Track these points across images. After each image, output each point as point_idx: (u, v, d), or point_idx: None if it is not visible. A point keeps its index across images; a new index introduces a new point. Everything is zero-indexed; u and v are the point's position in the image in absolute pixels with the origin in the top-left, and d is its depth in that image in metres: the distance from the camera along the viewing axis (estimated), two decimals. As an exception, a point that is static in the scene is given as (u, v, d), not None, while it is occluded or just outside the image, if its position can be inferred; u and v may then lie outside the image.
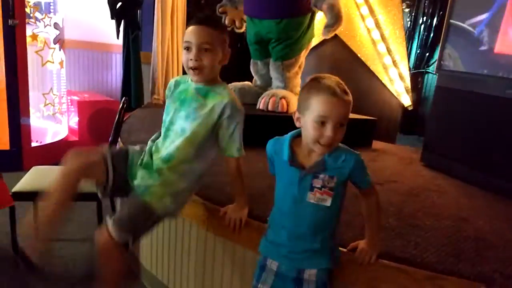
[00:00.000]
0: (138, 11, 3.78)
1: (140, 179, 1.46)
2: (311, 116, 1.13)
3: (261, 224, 1.51)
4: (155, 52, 3.62)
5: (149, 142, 1.57)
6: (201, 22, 1.36)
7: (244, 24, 3.16)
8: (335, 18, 2.59)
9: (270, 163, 1.33)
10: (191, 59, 1.35)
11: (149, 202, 1.41)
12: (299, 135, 1.22)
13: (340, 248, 1.35)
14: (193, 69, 1.37)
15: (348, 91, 1.15)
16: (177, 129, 1.46)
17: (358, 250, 1.33)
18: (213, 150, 1.51)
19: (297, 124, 1.20)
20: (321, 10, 2.68)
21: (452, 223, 1.70)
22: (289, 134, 1.26)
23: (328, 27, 2.62)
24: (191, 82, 1.48)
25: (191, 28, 1.37)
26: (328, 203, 1.20)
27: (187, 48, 1.36)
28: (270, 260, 1.30)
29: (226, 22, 3.09)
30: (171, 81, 1.58)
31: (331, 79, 1.14)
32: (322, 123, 1.12)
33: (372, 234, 1.33)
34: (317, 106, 1.12)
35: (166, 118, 1.52)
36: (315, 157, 1.20)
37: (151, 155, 1.50)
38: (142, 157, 1.51)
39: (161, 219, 1.49)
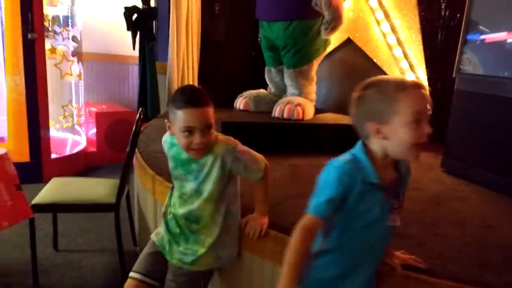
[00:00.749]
0: (154, 22, 3.84)
1: (181, 254, 1.48)
2: (403, 120, 0.98)
3: (278, 234, 1.49)
4: (170, 62, 3.64)
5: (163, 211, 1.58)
6: (197, 104, 1.32)
7: None
8: (333, 14, 2.57)
9: (339, 195, 1.03)
10: (196, 143, 1.33)
11: (201, 268, 1.48)
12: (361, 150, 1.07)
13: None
14: (198, 150, 1.36)
15: None
16: (189, 191, 1.47)
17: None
18: (232, 186, 1.51)
19: (374, 137, 1.04)
20: (321, 9, 2.66)
21: (476, 231, 1.65)
22: (354, 151, 1.09)
23: (326, 24, 2.59)
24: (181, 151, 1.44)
25: (189, 111, 1.31)
26: (398, 222, 1.08)
27: (189, 131, 1.32)
28: None
29: None
30: (164, 141, 1.54)
31: None
32: (418, 122, 0.98)
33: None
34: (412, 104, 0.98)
35: (175, 173, 1.51)
36: (390, 172, 1.07)
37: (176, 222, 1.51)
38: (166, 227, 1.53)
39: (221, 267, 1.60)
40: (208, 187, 1.43)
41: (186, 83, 3.85)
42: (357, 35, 3.29)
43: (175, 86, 3.72)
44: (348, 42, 3.35)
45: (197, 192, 1.45)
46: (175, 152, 1.49)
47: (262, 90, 3.18)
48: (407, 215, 1.74)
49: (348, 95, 3.44)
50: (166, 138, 1.54)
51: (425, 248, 1.45)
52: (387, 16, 3.12)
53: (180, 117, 1.32)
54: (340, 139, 2.75)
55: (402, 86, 1.00)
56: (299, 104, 2.75)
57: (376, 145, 1.05)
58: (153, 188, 2.04)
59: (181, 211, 1.49)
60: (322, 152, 2.62)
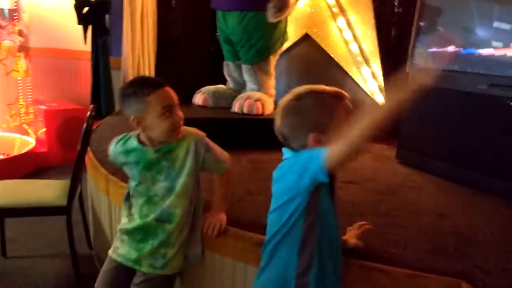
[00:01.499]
0: (106, 15, 3.68)
1: (151, 259, 1.42)
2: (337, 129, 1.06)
3: (238, 231, 1.47)
4: (125, 57, 3.52)
5: (121, 227, 1.49)
6: (162, 85, 1.33)
7: None
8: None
9: None
10: (179, 119, 1.33)
11: (171, 271, 1.45)
12: None
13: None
14: (179, 127, 1.34)
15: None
16: (160, 191, 1.41)
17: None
18: (197, 181, 1.48)
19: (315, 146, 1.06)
20: None
21: (430, 219, 1.70)
22: None
23: (271, 7, 2.57)
24: (144, 148, 1.39)
25: (160, 92, 1.31)
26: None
27: (169, 111, 1.30)
28: None
29: None
30: (114, 153, 1.47)
31: None
32: None
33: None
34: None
35: (136, 186, 1.44)
36: None
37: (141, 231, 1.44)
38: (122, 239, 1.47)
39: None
40: (181, 181, 1.39)
41: (142, 79, 3.73)
42: (314, 30, 3.31)
43: (131, 82, 3.60)
44: (306, 37, 3.37)
45: (170, 189, 1.40)
46: (137, 157, 1.40)
47: (221, 86, 3.14)
48: (362, 206, 1.78)
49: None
50: (116, 149, 1.46)
51: (381, 238, 1.48)
52: (343, 11, 3.17)
53: (154, 101, 1.28)
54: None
55: (338, 98, 1.09)
56: (258, 99, 2.73)
57: None
58: (106, 188, 1.95)
59: (151, 215, 1.41)
60: (282, 147, 2.64)
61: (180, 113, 1.34)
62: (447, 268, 1.31)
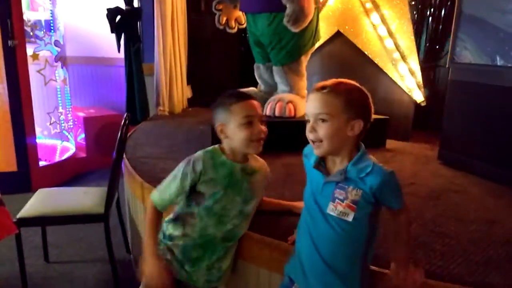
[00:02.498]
0: (138, 23, 3.74)
1: (207, 275, 1.41)
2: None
3: (273, 241, 1.43)
4: (157, 63, 3.56)
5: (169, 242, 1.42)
6: (249, 97, 1.36)
7: (237, 26, 3.09)
8: (293, 6, 2.47)
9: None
10: (257, 132, 1.32)
11: (225, 283, 1.47)
12: None
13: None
14: (260, 141, 1.34)
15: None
16: (233, 212, 1.38)
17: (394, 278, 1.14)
18: None
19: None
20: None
21: (479, 226, 1.59)
22: None
23: (287, 16, 2.49)
24: (232, 163, 1.36)
25: (246, 102, 1.32)
26: (350, 218, 1.08)
27: (249, 122, 1.30)
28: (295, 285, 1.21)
29: (220, 21, 3.01)
30: (205, 163, 1.35)
31: None
32: None
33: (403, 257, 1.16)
34: None
35: (212, 204, 1.35)
36: (340, 164, 1.13)
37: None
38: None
39: None
40: (253, 205, 1.41)
41: (174, 83, 3.77)
42: (346, 27, 3.22)
43: (164, 87, 3.65)
44: (338, 34, 3.28)
45: (242, 212, 1.39)
46: (225, 172, 1.35)
47: (252, 88, 3.11)
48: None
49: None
50: (205, 162, 1.35)
51: (427, 248, 1.39)
52: (376, 7, 3.06)
53: (237, 110, 1.31)
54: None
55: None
56: (290, 101, 2.67)
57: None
58: (142, 195, 1.96)
59: (218, 233, 1.37)
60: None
61: (263, 127, 1.33)
62: (502, 283, 1.21)
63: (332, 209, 1.10)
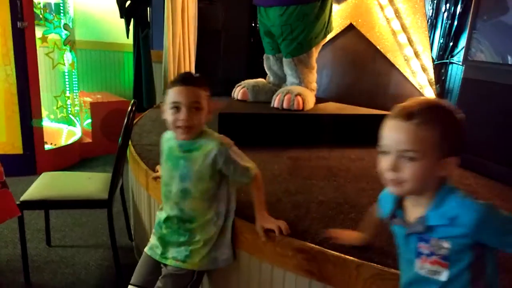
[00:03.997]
0: (148, 9, 3.70)
1: (175, 253, 1.45)
2: None
3: (284, 238, 1.40)
4: (166, 50, 3.52)
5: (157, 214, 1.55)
6: (187, 82, 1.36)
7: None
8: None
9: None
10: (181, 119, 1.34)
11: (194, 267, 1.44)
12: None
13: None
14: (183, 128, 1.35)
15: None
16: (177, 191, 1.43)
17: None
18: (225, 186, 1.47)
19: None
20: None
21: (487, 229, 1.56)
22: None
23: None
24: (174, 140, 1.45)
25: (178, 88, 1.35)
26: (443, 276, 0.89)
27: (176, 108, 1.34)
28: None
29: None
30: (162, 137, 1.55)
31: None
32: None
33: None
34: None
35: (163, 175, 1.51)
36: (420, 208, 0.92)
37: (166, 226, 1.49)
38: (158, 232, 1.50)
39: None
40: (196, 186, 1.41)
41: (182, 71, 3.74)
42: (359, 20, 3.16)
43: (171, 74, 3.62)
44: (351, 28, 3.22)
45: (185, 192, 1.42)
46: (167, 145, 1.49)
47: (260, 79, 3.07)
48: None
49: (351, 83, 3.32)
50: (165, 134, 1.53)
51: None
52: (391, 0, 2.99)
53: (169, 95, 1.36)
54: (341, 129, 2.67)
55: None
56: (299, 94, 2.64)
57: None
58: (146, 183, 1.95)
59: (172, 212, 1.46)
60: (323, 144, 2.55)
61: (186, 116, 1.33)
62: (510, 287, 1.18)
63: (420, 267, 0.92)
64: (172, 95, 1.35)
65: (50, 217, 2.43)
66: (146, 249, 1.54)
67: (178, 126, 1.35)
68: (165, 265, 1.46)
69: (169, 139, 1.49)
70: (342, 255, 1.29)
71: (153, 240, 1.53)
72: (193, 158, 1.40)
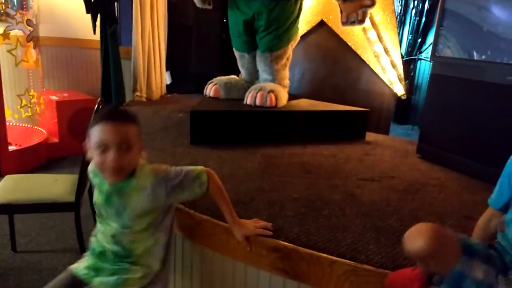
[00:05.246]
0: (116, 3, 3.59)
1: (105, 280, 1.30)
2: None
3: (257, 237, 1.38)
4: (135, 46, 3.44)
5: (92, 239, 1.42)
6: (114, 118, 1.21)
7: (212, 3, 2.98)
8: None
9: (504, 189, 1.14)
10: (110, 160, 1.19)
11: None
12: None
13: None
14: (113, 170, 1.20)
15: None
16: (116, 225, 1.30)
17: None
18: (170, 216, 1.38)
19: None
20: None
21: (456, 221, 1.59)
22: None
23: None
24: (102, 179, 1.30)
25: (104, 126, 1.19)
26: None
27: (104, 149, 1.19)
28: None
29: None
30: (89, 169, 1.40)
31: None
32: None
33: None
34: None
35: (97, 203, 1.34)
36: None
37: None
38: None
39: None
40: (138, 221, 1.29)
41: (152, 68, 3.66)
42: (330, 17, 3.18)
43: (141, 71, 3.53)
44: (322, 24, 3.24)
45: (125, 227, 1.29)
46: (99, 182, 1.34)
47: (233, 76, 3.04)
48: (383, 206, 1.68)
49: (323, 79, 3.34)
50: (92, 166, 1.36)
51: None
52: (361, -3, 3.02)
53: (95, 133, 1.20)
54: (315, 126, 2.68)
55: None
56: (272, 91, 2.62)
57: None
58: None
59: (108, 245, 1.33)
60: (296, 140, 2.55)
61: (115, 157, 1.18)
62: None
63: None
64: (98, 133, 1.19)
65: (15, 222, 2.32)
66: (71, 266, 1.38)
67: (108, 168, 1.20)
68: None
69: (97, 175, 1.33)
70: (316, 252, 1.29)
71: (83, 261, 1.38)
72: (127, 197, 1.27)
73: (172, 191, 1.29)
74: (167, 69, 3.91)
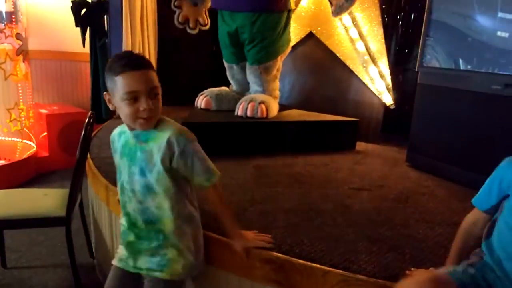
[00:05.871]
0: (105, 16, 3.60)
1: (148, 263, 1.32)
2: None
3: (251, 249, 1.38)
4: (125, 59, 3.44)
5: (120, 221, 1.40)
6: (140, 66, 1.19)
7: (199, 27, 3.03)
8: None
9: (493, 191, 1.14)
10: (143, 109, 1.18)
11: (173, 276, 1.31)
12: None
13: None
14: (149, 117, 1.20)
15: None
16: (140, 187, 1.29)
17: None
18: (188, 186, 1.37)
19: None
20: None
21: (445, 229, 1.61)
22: None
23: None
24: (129, 131, 1.29)
25: (130, 75, 1.16)
26: None
27: (134, 98, 1.17)
28: None
29: (180, 19, 2.94)
30: (112, 135, 1.39)
31: None
32: None
33: None
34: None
35: (120, 176, 1.35)
36: None
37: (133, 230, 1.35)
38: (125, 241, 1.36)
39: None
40: (155, 179, 1.26)
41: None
42: (319, 29, 3.23)
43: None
44: (311, 36, 3.28)
45: (148, 187, 1.28)
46: (122, 141, 1.32)
47: (224, 88, 3.06)
48: (375, 215, 1.70)
49: (312, 90, 3.38)
50: (115, 131, 1.38)
51: (397, 252, 1.40)
52: (348, 9, 3.07)
53: (120, 83, 1.17)
54: (305, 136, 2.70)
55: None
56: (262, 102, 2.65)
57: None
58: (107, 198, 1.88)
59: (138, 216, 1.33)
60: (287, 151, 2.57)
61: (148, 103, 1.17)
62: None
63: None
64: (126, 83, 1.16)
65: (4, 237, 2.28)
66: (114, 261, 1.38)
67: (141, 117, 1.19)
68: (140, 276, 1.35)
69: (121, 134, 1.33)
70: (309, 263, 1.30)
71: (121, 250, 1.38)
72: (149, 149, 1.26)
73: (186, 156, 1.25)
74: (159, 81, 3.91)
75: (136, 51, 3.48)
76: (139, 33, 3.51)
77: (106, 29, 3.61)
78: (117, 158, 1.37)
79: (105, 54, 3.44)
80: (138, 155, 1.28)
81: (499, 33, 2.03)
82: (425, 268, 1.28)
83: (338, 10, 2.61)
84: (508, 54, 1.98)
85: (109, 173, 1.97)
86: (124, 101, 1.18)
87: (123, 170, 1.33)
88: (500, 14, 2.03)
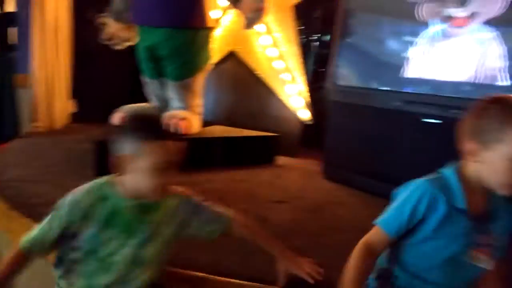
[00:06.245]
0: (13, 28, 3.34)
1: None
2: (506, 152, 0.89)
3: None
4: (34, 74, 3.21)
5: None
6: (169, 136, 1.12)
7: (125, 43, 2.97)
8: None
9: (409, 215, 1.03)
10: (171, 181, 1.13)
11: None
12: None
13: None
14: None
15: None
16: (122, 258, 1.13)
17: None
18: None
19: (469, 158, 0.96)
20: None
21: (353, 235, 1.71)
22: (446, 171, 1.03)
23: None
24: (120, 197, 1.12)
25: (166, 144, 1.09)
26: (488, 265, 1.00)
27: (166, 168, 1.09)
28: None
29: (104, 36, 2.86)
30: (81, 198, 1.12)
31: None
32: None
33: None
34: None
35: (94, 248, 1.12)
36: (483, 203, 1.00)
37: None
38: None
39: None
40: (151, 250, 1.14)
41: (56, 97, 3.44)
42: (240, 47, 3.31)
43: (42, 100, 3.31)
44: (233, 54, 3.35)
45: (135, 258, 1.13)
46: (110, 208, 1.11)
47: (143, 104, 2.97)
48: (292, 226, 1.75)
49: (235, 106, 3.43)
50: (88, 192, 1.13)
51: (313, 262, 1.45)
52: (268, 29, 3.20)
53: (154, 151, 1.07)
54: (227, 151, 2.72)
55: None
56: (184, 118, 2.62)
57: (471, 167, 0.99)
58: (7, 226, 1.71)
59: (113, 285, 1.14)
60: (209, 167, 2.56)
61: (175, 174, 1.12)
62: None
63: (473, 257, 1.02)
64: (162, 152, 1.08)
65: None
66: None
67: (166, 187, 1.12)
68: None
69: (105, 199, 1.12)
70: (226, 279, 1.29)
71: None
72: (155, 220, 1.15)
73: (198, 210, 1.21)
74: (74, 97, 3.71)
75: (48, 65, 3.28)
76: (51, 46, 3.31)
77: (12, 42, 3.35)
78: (93, 226, 1.12)
79: (11, 69, 3.18)
80: (141, 228, 1.14)
81: (402, 54, 2.26)
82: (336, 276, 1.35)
83: (248, 23, 2.69)
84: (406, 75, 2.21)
85: (11, 197, 1.79)
86: (154, 170, 1.08)
87: (106, 240, 1.12)
88: (406, 38, 2.26)
